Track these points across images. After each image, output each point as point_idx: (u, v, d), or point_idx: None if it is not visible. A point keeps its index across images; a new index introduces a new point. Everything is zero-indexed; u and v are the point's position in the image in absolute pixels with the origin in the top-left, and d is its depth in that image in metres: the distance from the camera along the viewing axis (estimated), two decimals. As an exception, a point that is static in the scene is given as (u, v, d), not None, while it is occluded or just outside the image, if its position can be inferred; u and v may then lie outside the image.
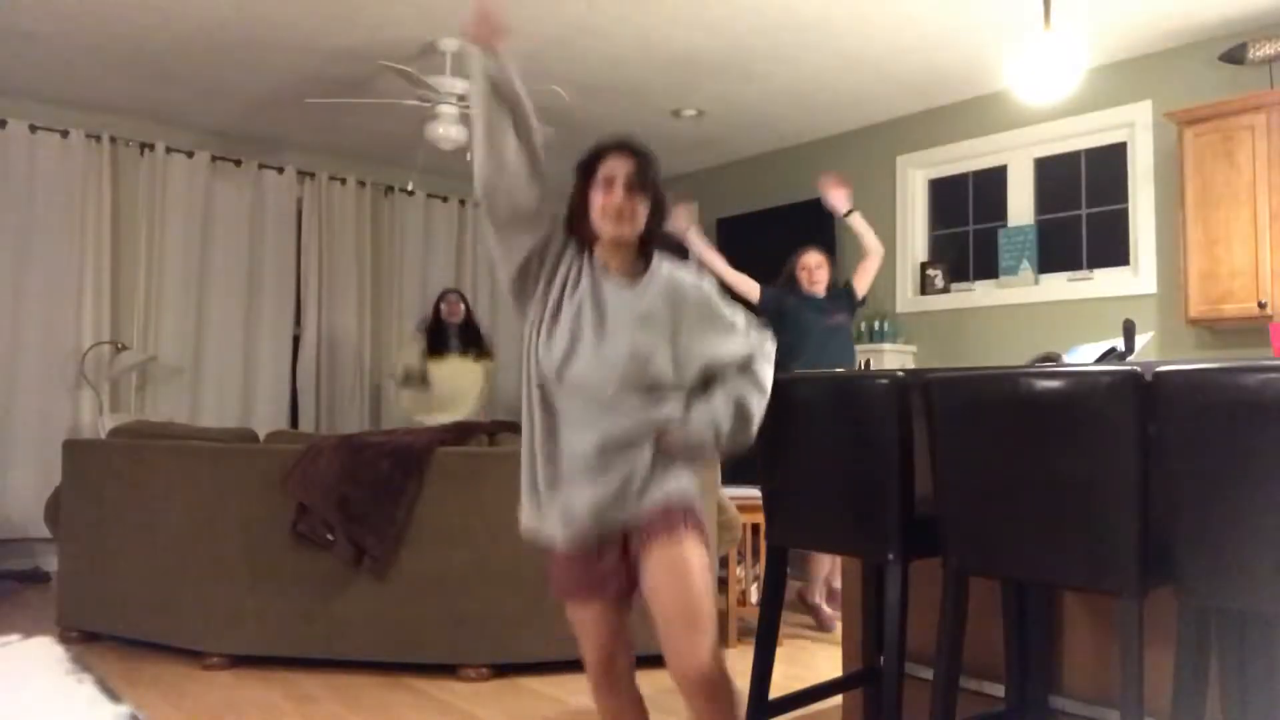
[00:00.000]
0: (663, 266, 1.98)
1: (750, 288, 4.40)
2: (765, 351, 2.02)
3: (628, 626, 1.99)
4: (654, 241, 1.98)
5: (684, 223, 4.40)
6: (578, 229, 1.96)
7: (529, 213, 1.91)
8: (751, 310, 4.38)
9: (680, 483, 1.93)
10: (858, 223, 4.48)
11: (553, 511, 1.89)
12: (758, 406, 1.96)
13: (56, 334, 5.52)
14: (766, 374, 1.99)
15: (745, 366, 1.97)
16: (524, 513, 1.95)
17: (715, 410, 1.91)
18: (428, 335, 5.57)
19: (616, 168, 1.91)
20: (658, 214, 1.97)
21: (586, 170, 1.94)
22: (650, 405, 1.88)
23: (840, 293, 4.45)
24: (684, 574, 1.86)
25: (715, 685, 1.87)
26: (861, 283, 4.48)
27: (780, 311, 4.30)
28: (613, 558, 1.92)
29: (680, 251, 2.04)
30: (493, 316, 6.99)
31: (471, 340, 5.60)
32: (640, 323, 1.89)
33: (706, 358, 1.93)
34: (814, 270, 4.38)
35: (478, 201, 1.94)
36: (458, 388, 5.54)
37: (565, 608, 1.99)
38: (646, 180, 1.92)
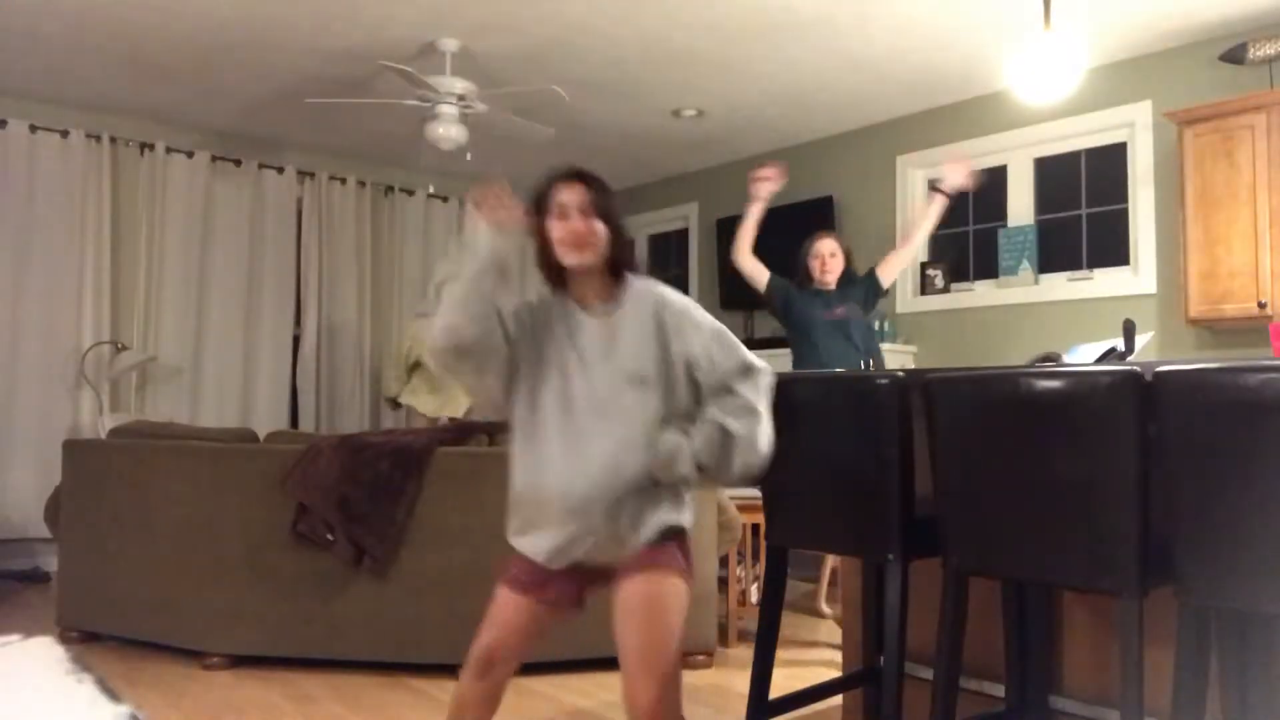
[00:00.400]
0: (637, 283, 1.97)
1: (759, 273, 4.10)
2: (754, 372, 1.92)
3: (536, 636, 1.98)
4: (622, 265, 1.97)
5: (769, 186, 4.01)
6: (543, 264, 1.95)
7: (501, 346, 1.91)
8: (758, 300, 4.21)
9: (671, 515, 1.90)
10: (937, 211, 3.98)
11: (538, 538, 1.90)
12: (746, 429, 1.86)
13: (56, 334, 5.52)
14: (752, 396, 1.89)
15: (727, 388, 1.89)
16: (510, 528, 1.96)
17: (692, 439, 1.86)
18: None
19: (568, 196, 1.91)
20: (618, 240, 1.95)
21: (540, 203, 1.94)
22: (642, 439, 1.86)
23: (855, 281, 4.08)
24: (653, 616, 1.86)
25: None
26: (889, 270, 4.10)
27: (786, 303, 4.07)
28: (573, 576, 1.93)
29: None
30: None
31: None
32: (624, 346, 1.90)
33: (687, 355, 1.90)
34: (827, 259, 4.03)
35: (444, 363, 1.92)
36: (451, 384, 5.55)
37: (501, 588, 1.97)
38: (600, 205, 1.92)
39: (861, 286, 4.10)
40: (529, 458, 1.91)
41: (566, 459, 1.87)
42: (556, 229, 1.90)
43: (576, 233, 1.89)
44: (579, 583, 1.96)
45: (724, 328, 1.97)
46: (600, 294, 1.95)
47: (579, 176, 1.94)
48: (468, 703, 1.99)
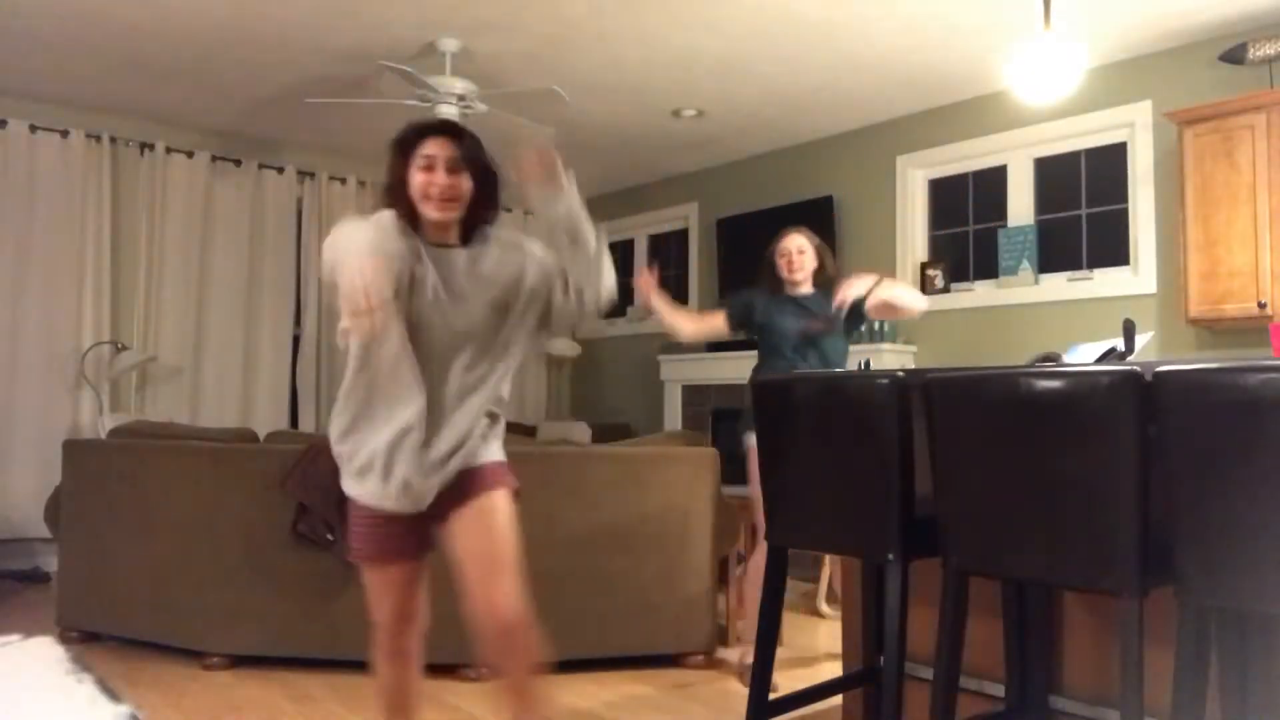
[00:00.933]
0: (489, 230, 2.03)
1: (713, 320, 3.67)
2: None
3: (424, 589, 2.05)
4: (481, 221, 2.01)
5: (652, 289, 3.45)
6: (398, 206, 1.95)
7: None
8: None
9: (498, 452, 2.04)
10: (885, 293, 3.44)
11: (382, 477, 1.92)
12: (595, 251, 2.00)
13: (56, 334, 5.53)
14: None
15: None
16: (347, 482, 1.99)
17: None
18: None
19: (436, 150, 1.92)
20: (486, 192, 1.99)
21: (405, 149, 1.95)
22: (488, 374, 1.96)
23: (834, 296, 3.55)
24: (491, 519, 1.95)
25: (519, 629, 1.93)
26: (878, 309, 3.52)
27: (750, 313, 3.61)
28: (417, 518, 1.97)
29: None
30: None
31: None
32: (487, 281, 1.96)
33: (541, 273, 2.00)
34: (794, 256, 3.55)
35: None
36: None
37: (369, 572, 2.03)
38: (467, 161, 1.94)
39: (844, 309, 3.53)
40: (379, 391, 1.92)
41: (423, 392, 1.90)
42: (420, 180, 1.91)
43: (441, 188, 1.91)
44: (424, 522, 1.99)
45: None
46: (458, 236, 1.99)
47: (448, 130, 1.95)
48: (393, 688, 2.03)
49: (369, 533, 1.99)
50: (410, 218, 1.96)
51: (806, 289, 3.59)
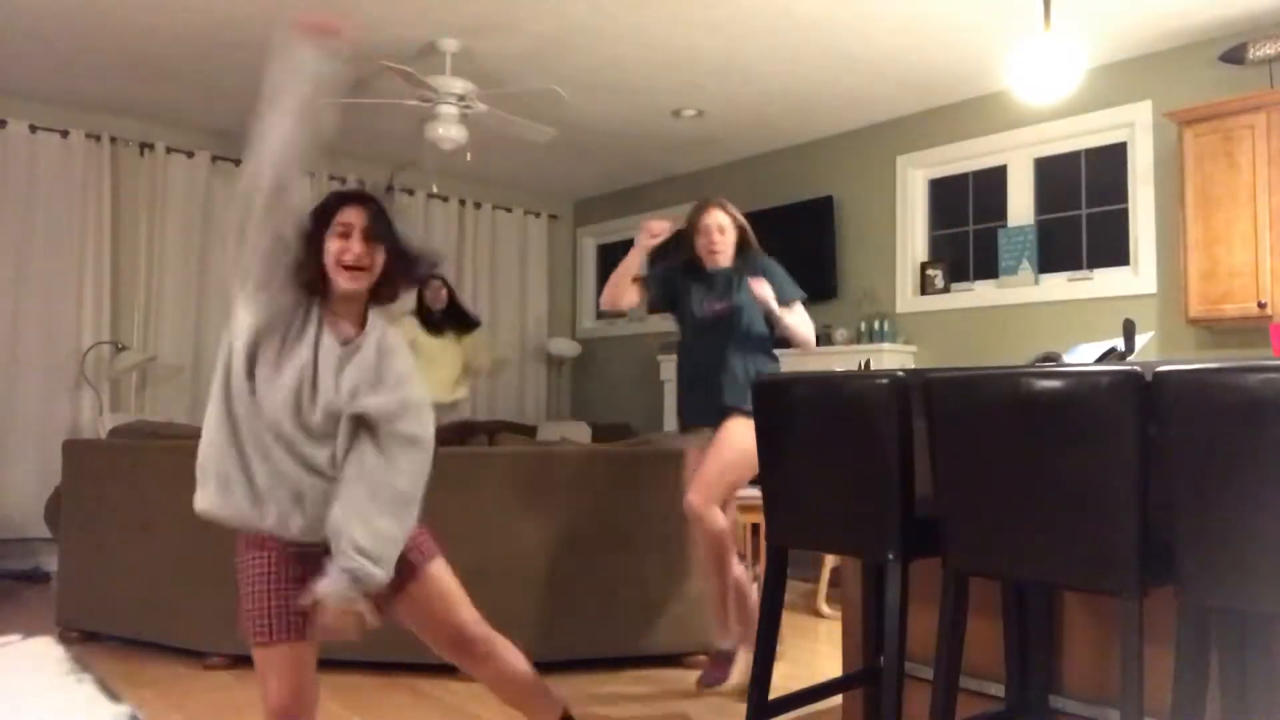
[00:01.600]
0: (376, 326, 1.96)
1: (630, 296, 3.46)
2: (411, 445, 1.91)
3: (314, 665, 1.93)
4: (390, 292, 1.98)
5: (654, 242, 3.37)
6: (308, 276, 1.91)
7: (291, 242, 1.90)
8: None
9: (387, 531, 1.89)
10: (787, 317, 3.25)
11: (275, 510, 1.88)
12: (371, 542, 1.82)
13: (56, 334, 5.53)
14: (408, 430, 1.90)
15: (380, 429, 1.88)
16: (217, 500, 1.92)
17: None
18: (420, 319, 5.49)
19: (353, 217, 1.89)
20: (397, 268, 1.96)
21: (322, 216, 1.92)
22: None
23: (764, 270, 3.28)
24: (446, 598, 1.99)
25: (487, 641, 2.01)
26: (781, 331, 3.29)
27: (670, 296, 3.42)
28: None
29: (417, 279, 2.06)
30: (490, 312, 7.00)
31: (457, 321, 5.54)
32: (344, 383, 1.88)
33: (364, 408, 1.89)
34: (715, 235, 3.30)
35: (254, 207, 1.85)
36: (440, 367, 5.48)
37: (268, 654, 1.87)
38: (382, 231, 1.91)
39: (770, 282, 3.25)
40: (248, 469, 1.89)
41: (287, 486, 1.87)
42: (335, 248, 1.88)
43: (357, 256, 1.88)
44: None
45: (415, 400, 1.94)
46: (354, 320, 1.94)
47: (364, 200, 1.92)
48: None
49: (261, 594, 1.93)
50: (317, 287, 1.91)
51: (724, 265, 3.33)
